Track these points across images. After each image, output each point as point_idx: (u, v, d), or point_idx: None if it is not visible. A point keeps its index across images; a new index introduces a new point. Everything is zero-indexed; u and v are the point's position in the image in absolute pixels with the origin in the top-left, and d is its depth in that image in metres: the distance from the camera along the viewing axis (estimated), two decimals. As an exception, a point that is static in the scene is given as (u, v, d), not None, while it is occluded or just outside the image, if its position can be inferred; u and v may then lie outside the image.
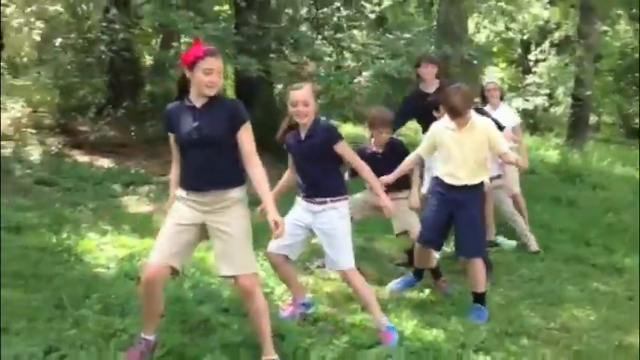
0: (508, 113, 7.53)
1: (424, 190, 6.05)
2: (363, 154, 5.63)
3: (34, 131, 10.07)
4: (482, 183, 5.22)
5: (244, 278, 3.85)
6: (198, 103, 3.82)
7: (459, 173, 5.08)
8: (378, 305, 4.64)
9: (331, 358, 4.09)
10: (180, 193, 3.89)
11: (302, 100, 4.45)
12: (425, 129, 5.96)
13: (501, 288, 5.96)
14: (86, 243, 5.85)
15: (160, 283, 3.86)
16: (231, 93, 13.23)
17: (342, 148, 4.55)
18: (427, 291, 5.62)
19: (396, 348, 4.26)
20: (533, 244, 7.19)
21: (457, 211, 5.12)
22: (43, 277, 4.95)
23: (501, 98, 7.61)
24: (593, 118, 21.83)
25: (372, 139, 5.72)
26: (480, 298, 5.18)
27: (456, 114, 4.97)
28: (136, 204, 7.80)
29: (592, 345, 4.75)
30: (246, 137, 3.80)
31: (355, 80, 11.91)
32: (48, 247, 5.61)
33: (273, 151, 11.62)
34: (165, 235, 3.87)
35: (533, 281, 6.22)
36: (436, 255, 5.74)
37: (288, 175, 4.89)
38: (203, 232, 3.91)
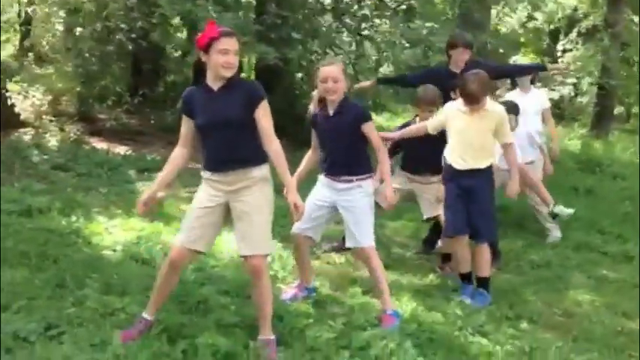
0: (539, 97, 7.42)
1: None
2: None
3: (53, 118, 10.21)
4: (490, 167, 5.17)
5: (257, 258, 3.90)
6: (215, 86, 3.86)
7: (464, 156, 5.07)
8: (389, 290, 4.67)
9: (326, 338, 4.11)
10: (205, 174, 3.95)
11: (332, 77, 4.44)
12: None
13: (508, 274, 5.94)
14: (95, 226, 5.92)
15: (181, 266, 3.98)
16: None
17: (369, 128, 4.55)
18: (431, 276, 5.65)
19: (392, 330, 4.26)
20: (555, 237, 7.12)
21: (468, 197, 5.11)
22: (50, 257, 5.02)
23: (532, 82, 7.43)
24: (620, 109, 21.50)
25: (417, 118, 5.72)
26: (483, 283, 5.17)
27: (473, 100, 4.96)
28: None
29: (591, 330, 4.72)
30: (263, 116, 3.82)
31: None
32: (57, 230, 5.68)
33: (292, 139, 11.72)
34: (190, 218, 3.95)
35: (541, 267, 6.19)
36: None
37: (310, 157, 4.88)
38: (228, 213, 3.95)
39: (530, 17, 21.59)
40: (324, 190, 4.68)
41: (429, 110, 5.52)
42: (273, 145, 3.83)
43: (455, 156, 5.15)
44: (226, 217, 3.99)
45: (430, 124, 5.30)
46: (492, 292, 5.25)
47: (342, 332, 4.23)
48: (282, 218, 6.55)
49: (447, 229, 5.28)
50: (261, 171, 3.90)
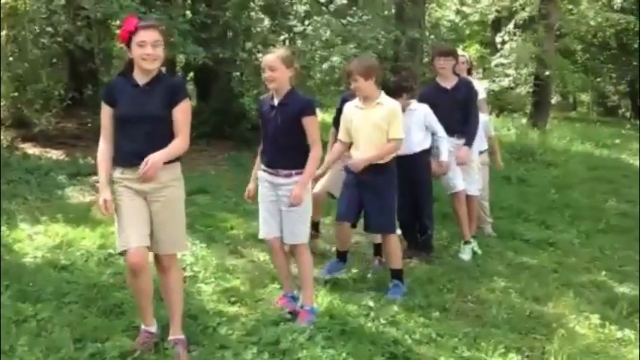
0: (477, 87, 7.41)
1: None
2: None
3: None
4: (390, 163, 5.26)
5: (168, 257, 4.02)
6: (141, 81, 3.89)
7: (365, 151, 5.16)
8: (314, 288, 4.77)
9: (237, 335, 4.21)
10: (116, 174, 3.93)
11: (269, 65, 4.47)
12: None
13: (429, 264, 6.08)
14: (17, 233, 5.91)
15: (145, 265, 3.86)
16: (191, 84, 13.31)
17: (309, 122, 4.50)
18: (353, 270, 5.76)
19: (304, 324, 4.36)
20: (489, 228, 7.29)
21: (366, 190, 5.23)
22: (-33, 268, 5.01)
23: (469, 72, 7.40)
24: (559, 98, 22.02)
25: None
26: (397, 275, 5.30)
27: (349, 76, 5.14)
28: (79, 194, 7.85)
29: (500, 315, 4.89)
30: (180, 114, 3.88)
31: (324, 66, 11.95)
32: (-22, 239, 5.66)
33: (230, 139, 11.74)
34: (122, 216, 3.87)
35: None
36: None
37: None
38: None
39: (458, 12, 21.95)
40: (267, 189, 4.66)
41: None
42: (180, 138, 3.86)
43: (356, 150, 5.25)
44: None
45: (342, 135, 5.33)
46: (410, 282, 5.41)
47: (254, 328, 4.33)
48: (204, 218, 6.65)
49: (337, 214, 5.47)
50: (174, 170, 3.96)
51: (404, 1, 12.73)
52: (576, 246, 7.10)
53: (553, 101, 20.20)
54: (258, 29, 11.97)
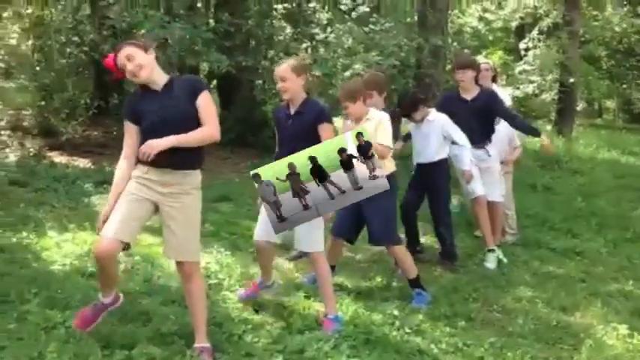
0: (501, 95, 7.21)
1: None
2: None
3: (12, 134, 10.21)
4: (390, 177, 5.08)
5: (187, 264, 4.06)
6: (158, 87, 3.97)
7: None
8: (335, 297, 4.78)
9: (263, 343, 4.22)
10: (137, 172, 3.95)
11: (279, 76, 4.56)
12: None
13: (454, 273, 6.06)
14: (46, 241, 5.97)
15: (112, 257, 3.88)
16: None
17: (325, 129, 4.56)
18: (378, 278, 5.75)
19: (329, 333, 4.36)
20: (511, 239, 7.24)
21: (367, 202, 5.18)
22: (-4, 275, 5.07)
23: (494, 80, 7.36)
24: (585, 105, 21.84)
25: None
26: (415, 284, 5.28)
27: (337, 102, 5.21)
28: (106, 202, 7.87)
29: (526, 325, 4.85)
30: (204, 103, 3.93)
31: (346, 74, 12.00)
32: (6, 246, 5.73)
33: (253, 146, 11.79)
34: (117, 209, 3.91)
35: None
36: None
37: (277, 155, 4.82)
38: (154, 210, 4.00)
39: (481, 18, 21.88)
40: None
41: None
42: (208, 126, 3.91)
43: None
44: (152, 213, 4.02)
45: None
46: (435, 291, 5.39)
47: (280, 336, 4.34)
48: (228, 226, 6.68)
49: (332, 228, 5.52)
50: (196, 178, 4.03)
51: (426, 9, 12.67)
52: (603, 255, 7.03)
53: (578, 108, 20.00)
54: (281, 37, 12.04)
